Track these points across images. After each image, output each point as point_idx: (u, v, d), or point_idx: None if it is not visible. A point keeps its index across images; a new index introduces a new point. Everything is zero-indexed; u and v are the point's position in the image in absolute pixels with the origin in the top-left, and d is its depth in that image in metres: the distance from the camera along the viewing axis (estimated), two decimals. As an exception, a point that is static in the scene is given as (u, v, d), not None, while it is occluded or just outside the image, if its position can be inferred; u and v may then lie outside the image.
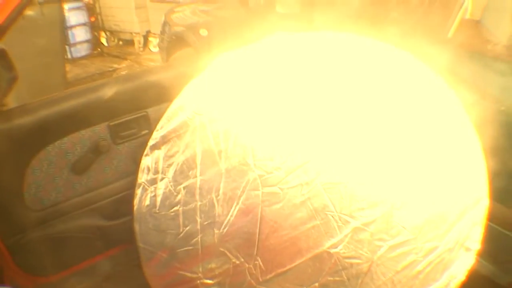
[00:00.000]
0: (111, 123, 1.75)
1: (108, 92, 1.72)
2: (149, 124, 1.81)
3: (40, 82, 4.16)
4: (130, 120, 1.78)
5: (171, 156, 1.68)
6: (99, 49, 8.04)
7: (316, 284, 1.54)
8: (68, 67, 6.77)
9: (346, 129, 1.48)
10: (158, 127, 1.70)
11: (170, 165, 1.68)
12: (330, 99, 1.51)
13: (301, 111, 1.52)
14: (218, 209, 1.61)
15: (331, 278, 1.52)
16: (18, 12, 1.46)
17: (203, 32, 3.73)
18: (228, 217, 1.60)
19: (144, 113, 1.80)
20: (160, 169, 1.70)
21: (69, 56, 7.24)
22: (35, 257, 1.75)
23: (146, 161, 1.72)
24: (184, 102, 1.65)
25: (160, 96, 1.78)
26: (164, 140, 1.69)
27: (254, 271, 1.60)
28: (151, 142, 1.71)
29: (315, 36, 1.63)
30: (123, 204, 1.82)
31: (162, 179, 1.70)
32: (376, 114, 1.48)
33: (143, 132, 1.81)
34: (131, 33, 7.97)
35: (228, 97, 1.60)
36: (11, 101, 1.74)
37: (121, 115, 1.76)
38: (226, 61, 1.65)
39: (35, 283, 1.86)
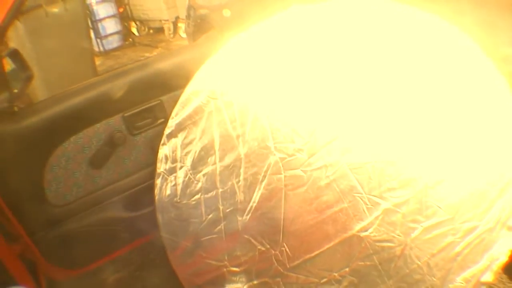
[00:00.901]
0: (126, 114, 1.73)
1: (120, 83, 1.71)
2: (165, 112, 1.78)
3: (70, 77, 4.25)
4: (145, 109, 1.77)
5: (189, 144, 1.65)
6: (130, 40, 8.15)
7: (347, 269, 1.51)
8: (100, 60, 6.92)
9: (371, 104, 1.40)
10: (173, 114, 1.68)
11: (188, 153, 1.65)
12: (354, 73, 1.43)
13: (322, 88, 1.45)
14: (240, 196, 1.58)
15: (362, 263, 1.48)
16: (15, 11, 1.46)
17: (226, 12, 3.66)
18: (251, 203, 1.56)
19: (159, 101, 1.78)
20: (178, 157, 1.67)
21: (101, 48, 7.38)
22: (63, 251, 1.79)
23: (164, 150, 1.70)
24: (197, 86, 1.61)
25: (173, 83, 1.75)
26: (180, 128, 1.66)
27: (280, 258, 1.57)
28: (167, 131, 1.69)
29: (333, 5, 1.53)
30: (145, 194, 1.82)
31: (181, 167, 1.67)
32: (404, 86, 1.39)
33: (159, 121, 1.80)
34: (160, 20, 8.00)
35: (242, 78, 1.55)
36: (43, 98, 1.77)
37: (135, 105, 1.74)
38: (239, 41, 1.59)
39: (68, 275, 1.91)
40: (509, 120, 1.37)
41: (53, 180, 1.67)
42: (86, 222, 1.77)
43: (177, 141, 1.67)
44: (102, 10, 7.26)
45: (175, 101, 1.68)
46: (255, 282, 1.65)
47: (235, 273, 1.67)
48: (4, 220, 1.64)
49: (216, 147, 1.59)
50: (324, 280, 1.54)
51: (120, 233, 1.85)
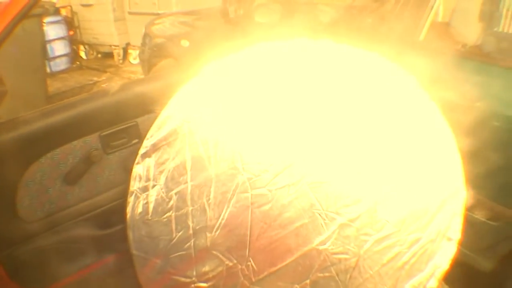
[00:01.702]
0: (103, 133, 1.77)
1: (99, 103, 1.75)
2: (139, 134, 1.84)
3: (22, 96, 4.11)
4: (121, 130, 1.81)
5: (162, 163, 1.71)
6: (78, 63, 7.94)
7: (308, 281, 1.58)
8: (48, 81, 6.69)
9: (328, 132, 1.55)
10: (148, 135, 1.73)
11: (161, 172, 1.71)
12: (312, 104, 1.58)
13: (285, 116, 1.58)
14: (209, 213, 1.65)
15: (321, 274, 1.56)
16: (13, 26, 1.47)
17: (184, 43, 3.76)
18: (220, 220, 1.63)
19: (134, 123, 1.83)
20: (151, 176, 1.73)
21: (48, 70, 7.13)
22: (29, 269, 1.75)
23: (138, 169, 1.75)
24: (173, 110, 1.69)
25: (149, 106, 1.82)
26: (155, 148, 1.72)
27: (247, 272, 1.64)
28: (142, 151, 1.74)
29: (295, 44, 1.70)
30: (115, 213, 1.83)
31: (153, 186, 1.73)
32: (356, 117, 1.55)
33: (133, 141, 1.84)
34: (110, 45, 7.90)
35: (214, 105, 1.65)
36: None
37: (111, 125, 1.79)
38: (212, 70, 1.70)
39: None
40: (443, 145, 1.54)
41: (26, 196, 1.66)
42: (55, 239, 1.75)
43: (151, 161, 1.72)
44: (52, 32, 7.04)
45: (150, 123, 1.74)
46: (222, 296, 1.70)
47: (203, 289, 1.72)
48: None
49: (188, 167, 1.66)
50: None
51: (88, 250, 1.84)
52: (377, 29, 2.33)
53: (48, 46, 7.03)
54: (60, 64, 7.47)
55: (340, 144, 1.53)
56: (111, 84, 6.74)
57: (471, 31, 2.17)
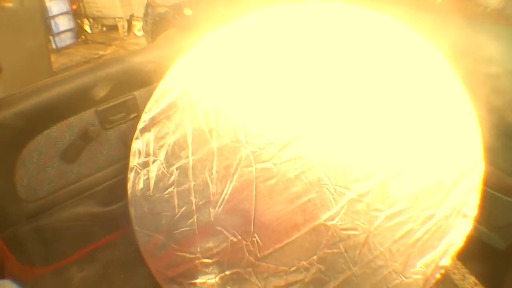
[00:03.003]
0: (99, 109, 1.72)
1: (94, 77, 1.69)
2: (138, 107, 1.78)
3: (26, 73, 4.09)
4: (118, 104, 1.76)
5: (162, 138, 1.66)
6: (83, 37, 7.91)
7: (315, 257, 1.55)
8: (53, 57, 6.68)
9: (337, 101, 1.46)
10: (146, 109, 1.68)
11: (161, 146, 1.66)
12: (320, 71, 1.49)
13: (291, 85, 1.50)
14: (212, 188, 1.60)
15: (329, 251, 1.53)
16: None
17: (187, 11, 3.67)
18: (223, 195, 1.59)
19: (132, 96, 1.77)
20: (151, 151, 1.68)
21: (53, 46, 7.14)
22: (32, 248, 1.75)
23: (137, 144, 1.70)
24: (171, 82, 1.63)
25: (146, 78, 1.76)
26: (154, 122, 1.67)
27: (252, 248, 1.61)
28: (140, 125, 1.69)
29: (302, 6, 1.60)
30: (117, 189, 1.81)
31: (154, 161, 1.68)
32: (367, 83, 1.46)
33: (132, 116, 1.79)
34: (114, 18, 7.84)
35: (216, 75, 1.58)
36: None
37: (108, 99, 1.73)
38: (211, 39, 1.62)
39: (35, 273, 1.86)
40: (461, 114, 1.46)
41: (24, 175, 1.63)
42: (57, 217, 1.74)
43: (150, 136, 1.67)
44: (55, 7, 7.02)
45: (148, 96, 1.68)
46: (227, 272, 1.67)
47: (207, 265, 1.69)
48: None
49: (189, 141, 1.61)
50: (293, 268, 1.58)
51: (91, 228, 1.83)
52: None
53: (52, 21, 7.03)
54: (65, 40, 7.46)
55: (350, 114, 1.45)
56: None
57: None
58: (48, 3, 6.83)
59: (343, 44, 1.50)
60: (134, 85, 1.78)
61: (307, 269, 1.57)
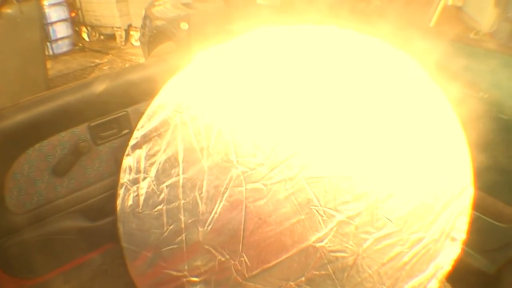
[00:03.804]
0: (91, 124, 1.71)
1: (87, 92, 1.69)
2: (130, 124, 1.77)
3: (21, 80, 4.09)
4: (111, 120, 1.75)
5: (153, 155, 1.66)
6: (80, 45, 7.91)
7: (303, 279, 1.54)
8: (50, 64, 6.69)
9: (329, 123, 1.47)
10: (138, 126, 1.68)
11: (152, 164, 1.66)
12: (313, 93, 1.50)
13: (284, 106, 1.51)
14: (202, 207, 1.60)
15: (317, 272, 1.52)
16: None
17: (184, 25, 3.69)
18: (212, 214, 1.59)
19: (124, 112, 1.77)
20: (142, 168, 1.67)
21: (50, 52, 7.12)
22: (19, 260, 1.73)
23: (128, 161, 1.70)
24: (164, 100, 1.63)
25: (140, 95, 1.75)
26: (145, 139, 1.66)
27: (239, 268, 1.60)
28: (132, 142, 1.69)
29: (297, 29, 1.61)
30: (106, 204, 1.79)
31: (144, 178, 1.67)
32: (359, 107, 1.47)
33: (124, 132, 1.78)
34: (112, 27, 7.85)
35: (209, 94, 1.58)
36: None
37: (101, 115, 1.73)
38: (206, 57, 1.63)
39: (21, 286, 1.84)
40: (452, 138, 1.47)
41: (14, 188, 1.62)
42: (45, 231, 1.72)
43: (141, 152, 1.66)
44: (54, 14, 7.00)
45: (140, 113, 1.68)
46: (214, 292, 1.66)
47: (194, 283, 1.68)
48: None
49: (180, 159, 1.60)
50: None
51: (79, 242, 1.81)
52: (385, 13, 2.24)
53: (50, 28, 7.02)
54: (62, 46, 7.44)
55: (341, 137, 1.46)
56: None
57: (486, 17, 2.06)
58: (47, 10, 6.82)
59: (335, 66, 1.52)
60: (127, 102, 1.77)
61: (295, 290, 1.56)
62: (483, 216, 1.82)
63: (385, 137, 1.45)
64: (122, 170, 1.71)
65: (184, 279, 1.69)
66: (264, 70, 1.55)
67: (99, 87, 1.70)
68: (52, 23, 7.04)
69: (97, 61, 7.14)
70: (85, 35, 8.23)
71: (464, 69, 1.83)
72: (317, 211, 1.47)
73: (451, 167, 1.47)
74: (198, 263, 1.65)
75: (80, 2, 7.94)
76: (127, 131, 1.77)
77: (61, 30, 7.30)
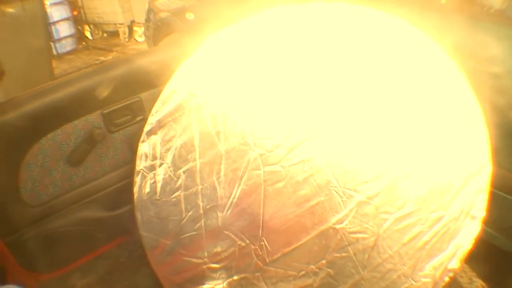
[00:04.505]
0: (105, 111, 1.70)
1: (99, 79, 1.67)
2: (143, 110, 1.77)
3: (27, 79, 4.07)
4: (124, 106, 1.74)
5: (169, 141, 1.65)
6: (84, 43, 7.92)
7: (323, 261, 1.54)
8: (54, 63, 6.68)
9: (345, 103, 1.46)
10: (153, 111, 1.67)
11: (168, 149, 1.65)
12: (328, 72, 1.48)
13: (299, 87, 1.49)
14: (220, 192, 1.59)
15: (338, 254, 1.52)
16: None
17: (189, 16, 3.66)
18: (231, 199, 1.58)
19: (138, 98, 1.76)
20: (158, 154, 1.66)
21: (54, 52, 7.13)
22: (36, 254, 1.72)
23: (143, 148, 1.69)
24: (177, 84, 1.62)
25: (152, 80, 1.74)
26: (160, 125, 1.65)
27: (260, 252, 1.59)
28: (146, 128, 1.68)
29: (308, 8, 1.59)
30: (122, 193, 1.79)
31: (161, 164, 1.66)
32: (375, 85, 1.45)
33: (138, 118, 1.77)
34: (115, 24, 7.83)
35: (222, 77, 1.57)
36: (-2, 99, 1.70)
37: (114, 102, 1.71)
38: (217, 40, 1.61)
39: (38, 280, 1.84)
40: (469, 115, 1.45)
41: (28, 179, 1.61)
42: (62, 222, 1.71)
43: (157, 138, 1.66)
44: (56, 13, 6.99)
45: (154, 99, 1.67)
46: (235, 278, 1.66)
47: (215, 270, 1.68)
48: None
49: (196, 144, 1.59)
50: (302, 273, 1.57)
51: (96, 233, 1.80)
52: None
53: (52, 27, 7.01)
54: (66, 45, 7.45)
55: (358, 116, 1.44)
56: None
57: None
58: (48, 9, 6.81)
59: (350, 45, 1.50)
60: (140, 87, 1.76)
61: (316, 274, 1.56)
62: (502, 193, 1.79)
63: (402, 116, 1.43)
64: (138, 157, 1.70)
65: (204, 266, 1.68)
66: (278, 50, 1.53)
67: (111, 73, 1.69)
68: (54, 23, 7.03)
69: (102, 58, 7.15)
70: (88, 33, 8.23)
71: (479, 45, 1.81)
72: (336, 192, 1.46)
73: (468, 145, 1.45)
74: (218, 249, 1.64)
75: (81, 0, 7.92)
76: (141, 117, 1.76)
77: (63, 29, 7.30)
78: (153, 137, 1.67)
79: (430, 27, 1.54)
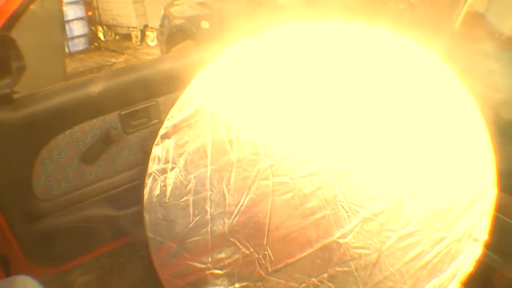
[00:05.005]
0: (122, 112, 1.73)
1: (119, 81, 1.71)
2: (159, 114, 1.80)
3: (40, 75, 4.11)
4: (141, 109, 1.77)
5: (182, 146, 1.67)
6: (96, 44, 8.01)
7: (325, 275, 1.54)
8: (66, 61, 6.75)
9: (356, 119, 1.48)
10: (168, 116, 1.70)
11: (180, 154, 1.67)
12: (340, 88, 1.51)
13: (311, 101, 1.52)
14: (228, 199, 1.61)
15: (340, 269, 1.52)
16: (15, 18, 1.45)
17: (205, 24, 3.72)
18: (239, 206, 1.60)
19: (155, 102, 1.79)
20: (170, 158, 1.69)
21: (66, 50, 7.19)
22: (43, 248, 1.74)
23: (157, 151, 1.71)
24: (195, 91, 1.65)
25: (170, 85, 1.78)
26: (175, 130, 1.68)
27: (263, 262, 1.60)
28: (161, 131, 1.71)
29: (323, 25, 1.63)
30: (132, 194, 1.81)
31: (172, 168, 1.69)
32: (386, 104, 1.48)
33: (154, 122, 1.81)
34: (128, 27, 7.93)
35: (238, 87, 1.60)
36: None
37: (132, 104, 1.75)
38: (235, 51, 1.65)
39: (42, 273, 1.85)
40: (476, 138, 1.48)
41: (42, 173, 1.64)
42: (70, 218, 1.74)
43: (170, 143, 1.68)
44: (71, 12, 7.13)
45: (171, 103, 1.70)
46: (236, 285, 1.66)
47: (217, 276, 1.68)
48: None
49: (209, 150, 1.62)
50: (303, 285, 1.57)
51: (102, 231, 1.82)
52: (409, 13, 2.25)
53: (66, 26, 7.08)
54: (78, 45, 7.56)
55: (367, 133, 1.47)
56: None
57: (507, 22, 2.07)
58: (64, 8, 6.89)
59: (362, 63, 1.53)
60: (158, 91, 1.80)
61: (317, 286, 1.56)
62: (506, 218, 1.81)
63: (411, 135, 1.46)
64: (150, 160, 1.72)
65: (207, 271, 1.69)
66: (294, 64, 1.57)
67: (131, 76, 1.73)
68: (68, 21, 7.14)
69: (113, 60, 7.23)
70: (101, 34, 8.32)
71: (488, 71, 1.84)
72: (342, 206, 1.47)
73: (474, 167, 1.47)
74: (222, 255, 1.65)
75: (96, 1, 8.03)
76: (156, 121, 1.79)
77: (77, 29, 7.43)
78: (167, 141, 1.70)
79: (442, 51, 1.57)
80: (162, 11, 4.75)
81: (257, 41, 1.64)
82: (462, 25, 2.12)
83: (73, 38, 7.35)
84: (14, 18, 1.48)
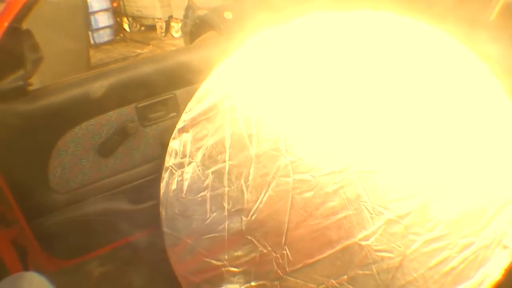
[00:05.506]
0: (139, 105, 1.71)
1: (137, 73, 1.69)
2: (177, 107, 1.77)
3: (64, 66, 4.18)
4: (158, 102, 1.75)
5: (200, 140, 1.65)
6: (121, 35, 8.13)
7: (345, 277, 1.50)
8: (91, 52, 6.84)
9: (382, 116, 1.42)
10: (186, 109, 1.67)
11: (198, 148, 1.65)
12: (368, 83, 1.45)
13: (336, 96, 1.46)
14: (247, 196, 1.57)
15: (361, 272, 1.48)
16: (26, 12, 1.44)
17: (228, 15, 3.69)
18: (257, 204, 1.56)
19: (172, 95, 1.76)
20: (188, 152, 1.66)
21: (92, 41, 7.31)
22: (59, 240, 1.75)
23: (174, 145, 1.69)
24: (214, 84, 1.61)
25: (189, 77, 1.75)
26: (193, 123, 1.65)
27: (281, 261, 1.57)
28: (179, 125, 1.68)
29: (351, 16, 1.56)
30: (149, 188, 1.80)
31: (190, 163, 1.66)
32: (415, 100, 1.41)
33: (171, 115, 1.78)
34: (153, 18, 8.00)
35: (259, 80, 1.55)
36: (35, 85, 1.73)
37: (149, 96, 1.73)
38: (257, 42, 1.60)
39: (58, 266, 1.87)
40: (509, 141, 1.39)
41: (59, 166, 1.64)
42: (86, 211, 1.74)
43: (188, 136, 1.66)
44: (96, 3, 7.22)
45: (189, 96, 1.67)
46: (253, 284, 1.64)
47: (234, 274, 1.66)
48: (3, 203, 1.59)
49: (227, 145, 1.58)
50: (322, 286, 1.54)
51: (119, 225, 1.82)
52: (443, 4, 2.16)
53: (91, 17, 7.22)
54: (104, 36, 7.65)
55: (395, 131, 1.41)
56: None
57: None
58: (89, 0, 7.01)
59: (392, 57, 1.46)
60: (175, 84, 1.77)
61: (336, 288, 1.52)
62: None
63: (441, 135, 1.39)
64: (167, 154, 1.70)
65: (224, 269, 1.67)
66: (318, 57, 1.51)
67: (148, 68, 1.71)
68: (93, 13, 7.25)
69: (138, 51, 7.31)
70: (126, 26, 8.43)
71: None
72: (365, 207, 1.42)
73: (507, 171, 1.39)
74: (239, 253, 1.63)
75: (121, -7, 8.10)
76: (174, 114, 1.77)
77: (102, 20, 7.52)
78: (184, 134, 1.67)
79: (476, 45, 1.49)
80: (186, 2, 4.75)
81: (280, 32, 1.59)
82: (498, 17, 2.02)
83: (98, 29, 7.44)
84: (25, 10, 1.46)
